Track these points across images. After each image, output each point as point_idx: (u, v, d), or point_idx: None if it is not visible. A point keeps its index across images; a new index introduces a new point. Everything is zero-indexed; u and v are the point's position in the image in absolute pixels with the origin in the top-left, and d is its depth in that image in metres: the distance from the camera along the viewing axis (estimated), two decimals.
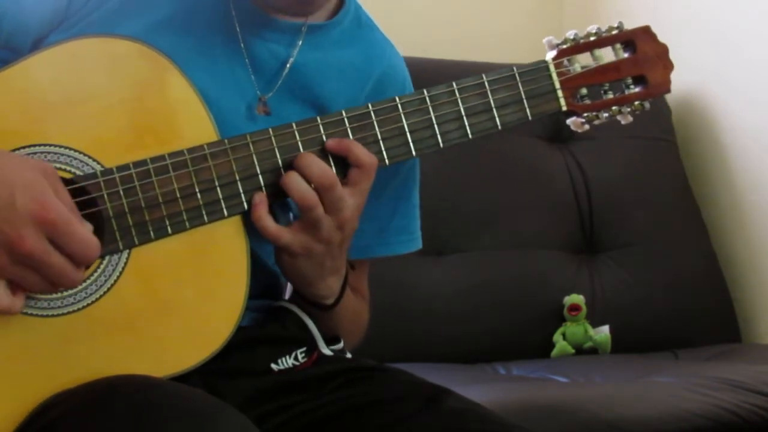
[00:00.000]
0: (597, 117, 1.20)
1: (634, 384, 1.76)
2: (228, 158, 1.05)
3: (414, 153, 1.13)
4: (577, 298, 2.13)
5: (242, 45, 1.14)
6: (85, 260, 0.95)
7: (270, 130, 1.07)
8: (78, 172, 1.00)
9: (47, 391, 0.98)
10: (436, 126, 1.13)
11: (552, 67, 1.18)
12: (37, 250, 0.91)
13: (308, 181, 1.06)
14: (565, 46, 1.19)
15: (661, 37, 1.22)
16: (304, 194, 1.06)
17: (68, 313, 1.00)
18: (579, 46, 1.19)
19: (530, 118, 1.17)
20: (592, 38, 1.20)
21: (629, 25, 1.22)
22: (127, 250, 1.02)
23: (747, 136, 2.27)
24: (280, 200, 1.09)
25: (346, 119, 1.10)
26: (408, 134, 1.12)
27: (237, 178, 1.06)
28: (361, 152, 1.08)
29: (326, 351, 1.18)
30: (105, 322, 1.01)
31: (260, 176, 1.07)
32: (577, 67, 1.18)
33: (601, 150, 2.30)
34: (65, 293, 0.99)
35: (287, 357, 1.13)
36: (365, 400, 1.11)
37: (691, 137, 2.40)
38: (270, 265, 1.15)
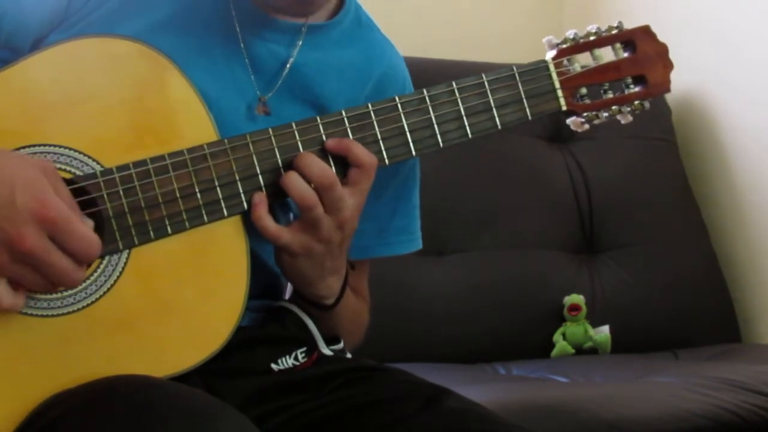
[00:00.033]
0: (597, 117, 1.20)
1: (634, 384, 1.76)
2: (228, 158, 1.05)
3: (414, 153, 1.13)
4: (577, 298, 2.13)
5: (242, 45, 1.14)
6: (86, 258, 0.95)
7: (270, 130, 1.07)
8: (78, 172, 1.00)
9: (47, 391, 0.98)
10: (435, 126, 1.13)
11: (552, 67, 1.18)
12: (37, 248, 0.91)
13: (308, 181, 1.06)
14: (564, 46, 1.19)
15: (661, 37, 1.22)
16: (303, 194, 1.06)
17: (68, 313, 1.00)
18: (579, 46, 1.19)
19: (530, 117, 1.17)
20: (591, 38, 1.20)
21: (629, 25, 1.22)
22: (127, 250, 1.02)
23: (747, 136, 2.27)
24: (280, 200, 1.09)
25: (345, 119, 1.10)
26: (408, 134, 1.12)
27: (237, 178, 1.06)
28: (360, 152, 1.08)
29: (326, 351, 1.18)
30: (105, 322, 1.01)
31: (260, 176, 1.07)
32: (576, 67, 1.18)
33: (601, 150, 2.30)
34: (65, 293, 0.99)
35: (287, 357, 1.13)
36: (365, 400, 1.11)
37: (691, 137, 2.40)
38: (270, 265, 1.15)
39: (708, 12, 2.37)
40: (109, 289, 1.01)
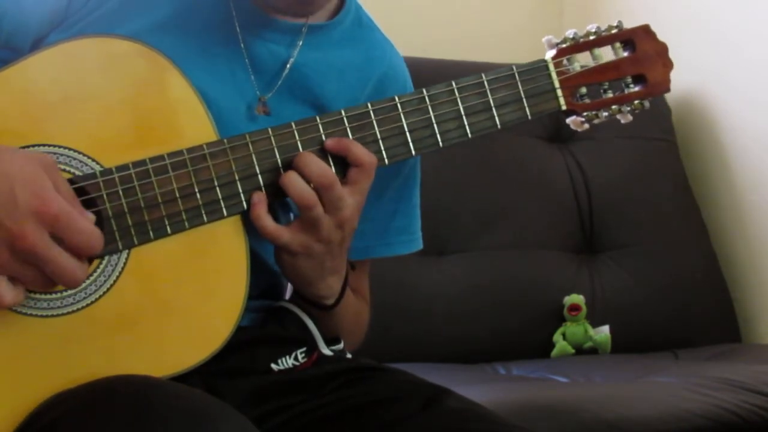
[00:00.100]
0: (597, 116, 1.20)
1: (634, 384, 1.76)
2: (227, 158, 1.05)
3: (413, 152, 1.13)
4: (577, 298, 2.13)
5: (242, 45, 1.14)
6: (88, 252, 0.95)
7: (269, 129, 1.07)
8: (77, 173, 1.00)
9: (47, 391, 0.97)
10: (435, 125, 1.13)
11: (551, 66, 1.18)
12: (39, 245, 0.91)
13: (307, 181, 1.06)
14: (564, 45, 1.19)
15: (661, 37, 1.22)
16: (302, 194, 1.06)
17: (68, 313, 0.99)
18: (578, 45, 1.19)
19: (530, 117, 1.17)
20: (591, 37, 1.20)
21: (629, 25, 1.22)
22: (127, 251, 1.02)
23: (747, 136, 2.27)
24: (280, 200, 1.09)
25: (345, 119, 1.10)
26: (407, 134, 1.12)
27: (236, 177, 1.06)
28: (360, 151, 1.08)
29: (326, 351, 1.18)
30: (104, 323, 1.01)
31: (259, 176, 1.07)
32: (576, 66, 1.18)
33: (601, 150, 2.31)
34: (65, 293, 0.99)
35: (287, 357, 1.13)
36: (365, 400, 1.11)
37: (691, 137, 2.40)
38: (270, 264, 1.15)
39: (708, 12, 2.37)
40: (108, 289, 1.01)
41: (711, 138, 2.37)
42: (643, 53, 1.21)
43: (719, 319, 2.22)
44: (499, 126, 1.15)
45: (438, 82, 1.14)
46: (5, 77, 1.00)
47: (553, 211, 2.24)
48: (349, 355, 1.22)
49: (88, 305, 1.00)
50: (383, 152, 1.11)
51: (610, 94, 1.21)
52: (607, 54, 1.21)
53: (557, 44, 1.19)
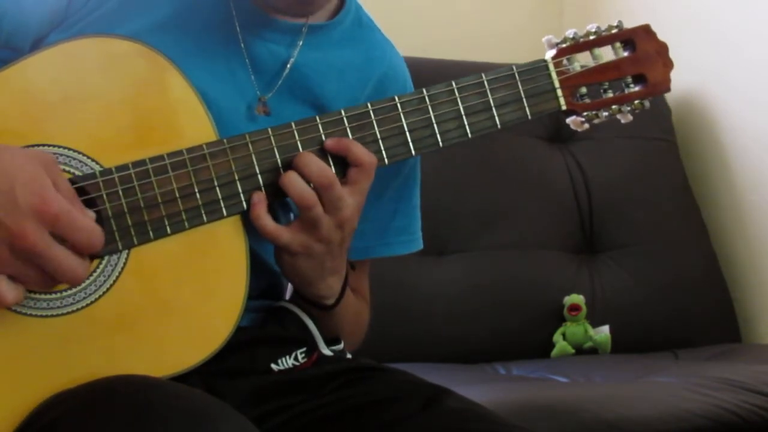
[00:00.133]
0: (597, 116, 1.20)
1: (634, 384, 1.76)
2: (227, 158, 1.05)
3: (413, 152, 1.13)
4: (577, 298, 2.13)
5: (242, 45, 1.14)
6: (89, 249, 0.95)
7: (269, 129, 1.07)
8: (77, 173, 1.00)
9: (47, 391, 0.97)
10: (435, 125, 1.13)
11: (551, 66, 1.18)
12: (39, 243, 0.91)
13: (307, 181, 1.06)
14: (564, 45, 1.19)
15: (661, 37, 1.22)
16: (302, 193, 1.06)
17: (67, 313, 0.99)
18: (578, 45, 1.19)
19: (530, 117, 1.17)
20: (591, 37, 1.20)
21: (629, 25, 1.22)
22: (126, 251, 1.02)
23: (747, 136, 2.27)
24: (279, 200, 1.09)
25: (345, 119, 1.10)
26: (407, 133, 1.12)
27: (236, 177, 1.06)
28: (360, 151, 1.08)
29: (326, 351, 1.18)
30: (104, 323, 1.01)
31: (259, 176, 1.07)
32: (576, 66, 1.18)
33: (601, 150, 2.31)
34: (65, 293, 0.99)
35: (287, 357, 1.13)
36: (365, 400, 1.11)
37: (691, 137, 2.40)
38: (270, 264, 1.15)
39: (708, 12, 2.37)
40: (108, 289, 1.01)
41: (711, 138, 2.36)
42: (643, 53, 1.21)
43: (719, 319, 2.22)
44: (499, 126, 1.15)
45: (438, 82, 1.14)
46: (5, 77, 1.00)
47: (553, 211, 2.24)
48: (349, 355, 1.22)
49: (87, 305, 1.00)
50: (383, 152, 1.11)
51: (610, 94, 1.21)
52: (607, 54, 1.21)
53: (557, 44, 1.19)
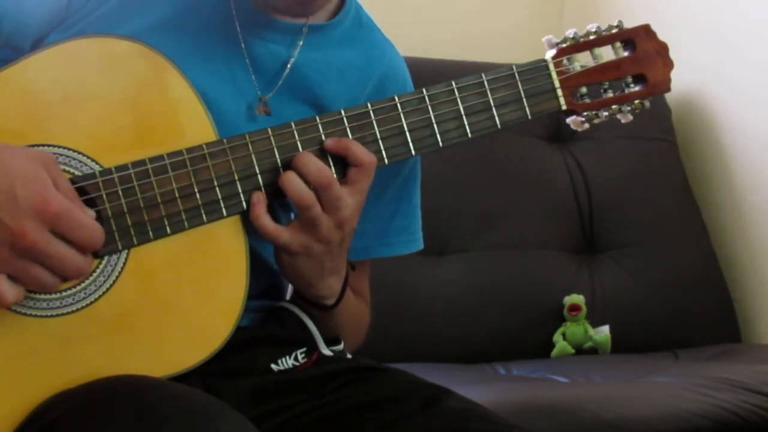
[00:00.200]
0: (597, 116, 1.20)
1: (634, 384, 1.76)
2: (227, 158, 1.05)
3: (413, 152, 1.12)
4: (577, 298, 2.13)
5: (243, 45, 1.14)
6: (90, 246, 0.96)
7: (269, 129, 1.07)
8: (77, 173, 1.00)
9: (47, 391, 0.98)
10: (435, 125, 1.13)
11: (551, 66, 1.18)
12: (39, 242, 0.92)
13: (306, 181, 1.06)
14: (564, 45, 1.19)
15: (661, 37, 1.22)
16: (301, 193, 1.06)
17: (67, 313, 0.99)
18: (578, 45, 1.19)
19: (530, 117, 1.17)
20: (591, 37, 1.20)
21: (629, 25, 1.22)
22: (126, 251, 1.02)
23: (747, 136, 2.27)
24: (279, 200, 1.09)
25: (345, 118, 1.10)
26: (407, 133, 1.12)
27: (236, 177, 1.06)
28: (359, 151, 1.08)
29: (326, 352, 1.18)
30: (104, 323, 1.01)
31: (259, 176, 1.07)
32: (576, 66, 1.18)
33: (601, 150, 2.30)
34: (64, 293, 0.99)
35: (287, 357, 1.13)
36: (365, 400, 1.11)
37: (691, 137, 2.40)
38: (271, 264, 1.15)
39: (708, 12, 2.37)
40: (108, 290, 1.01)
41: (711, 138, 2.36)
42: (643, 53, 1.21)
43: (719, 319, 2.22)
44: (499, 126, 1.15)
45: (438, 82, 1.14)
46: (5, 77, 1.00)
47: (553, 211, 2.24)
48: (349, 356, 1.22)
49: (87, 305, 1.00)
50: (383, 152, 1.11)
51: (610, 94, 1.20)
52: (607, 54, 1.21)
53: (557, 44, 1.19)
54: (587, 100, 1.19)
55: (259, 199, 1.06)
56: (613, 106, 1.20)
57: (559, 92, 1.18)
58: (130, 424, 0.88)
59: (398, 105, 1.12)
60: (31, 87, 1.01)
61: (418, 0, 2.59)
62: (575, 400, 1.56)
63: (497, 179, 2.22)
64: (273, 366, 1.13)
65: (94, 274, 1.01)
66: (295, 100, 1.17)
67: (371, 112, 1.11)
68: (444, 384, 1.15)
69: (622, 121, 1.22)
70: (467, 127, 1.14)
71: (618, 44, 1.21)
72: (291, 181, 1.06)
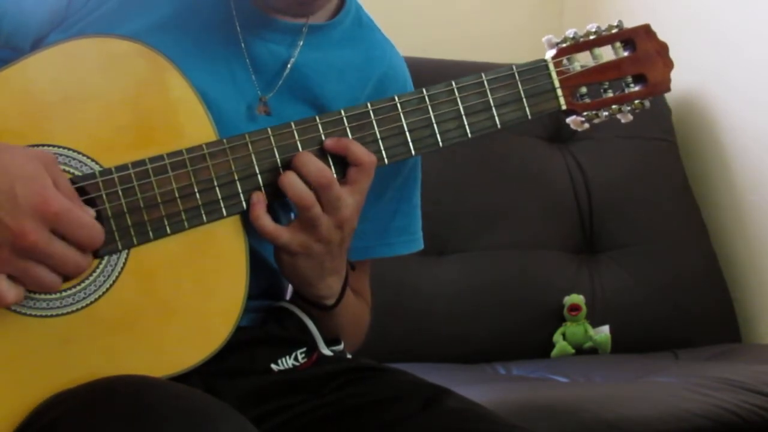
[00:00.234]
0: (597, 116, 1.20)
1: (634, 384, 1.76)
2: (227, 158, 1.05)
3: (413, 152, 1.12)
4: (577, 298, 2.13)
5: (243, 45, 1.14)
6: (90, 246, 0.96)
7: (269, 129, 1.07)
8: (76, 173, 1.00)
9: (47, 391, 0.98)
10: (435, 125, 1.13)
11: (551, 66, 1.18)
12: (40, 241, 0.92)
13: (306, 181, 1.06)
14: (564, 45, 1.19)
15: (661, 37, 1.22)
16: (300, 193, 1.06)
17: (67, 313, 0.99)
18: (578, 45, 1.19)
19: (530, 117, 1.17)
20: (591, 37, 1.20)
21: (629, 25, 1.22)
22: (126, 251, 1.02)
23: (747, 136, 2.27)
24: (279, 200, 1.09)
25: (344, 118, 1.10)
26: (407, 133, 1.12)
27: (236, 177, 1.06)
28: (359, 151, 1.08)
29: (326, 352, 1.18)
30: (104, 323, 1.01)
31: (259, 176, 1.07)
32: (576, 66, 1.18)
33: (601, 150, 2.30)
34: (64, 293, 0.99)
35: (287, 357, 1.13)
36: (365, 400, 1.11)
37: (691, 137, 2.40)
38: (271, 264, 1.15)
39: (708, 12, 2.37)
40: (108, 290, 1.01)
41: (711, 138, 2.36)
42: (643, 53, 1.21)
43: (719, 319, 2.22)
44: (499, 126, 1.15)
45: (438, 82, 1.14)
46: (5, 77, 1.00)
47: (553, 211, 2.24)
48: (349, 356, 1.22)
49: (87, 305, 1.00)
50: (383, 152, 1.11)
51: (610, 94, 1.20)
52: (607, 54, 1.21)
53: (557, 44, 1.19)
54: (587, 100, 1.19)
55: (259, 199, 1.06)
56: (613, 106, 1.20)
57: (559, 92, 1.18)
58: (130, 424, 0.88)
59: (398, 105, 1.12)
60: (31, 87, 1.01)
61: (418, 0, 2.59)
62: (575, 400, 1.56)
63: (497, 179, 2.22)
64: (273, 366, 1.13)
65: (94, 274, 1.01)
66: (295, 100, 1.17)
67: (371, 112, 1.11)
68: (444, 384, 1.15)
69: (622, 121, 1.22)
70: (467, 127, 1.14)
71: (618, 44, 1.21)
72: (291, 181, 1.06)
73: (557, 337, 2.11)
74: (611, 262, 2.22)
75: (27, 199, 0.91)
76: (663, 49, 1.22)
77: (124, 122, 1.03)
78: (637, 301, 2.17)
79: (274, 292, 1.22)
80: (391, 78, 1.25)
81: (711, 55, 2.35)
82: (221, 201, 1.05)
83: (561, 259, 2.20)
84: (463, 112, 1.14)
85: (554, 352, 2.10)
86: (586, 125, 1.21)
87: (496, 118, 1.15)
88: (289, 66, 1.16)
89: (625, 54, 1.21)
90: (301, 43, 1.17)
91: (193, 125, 1.05)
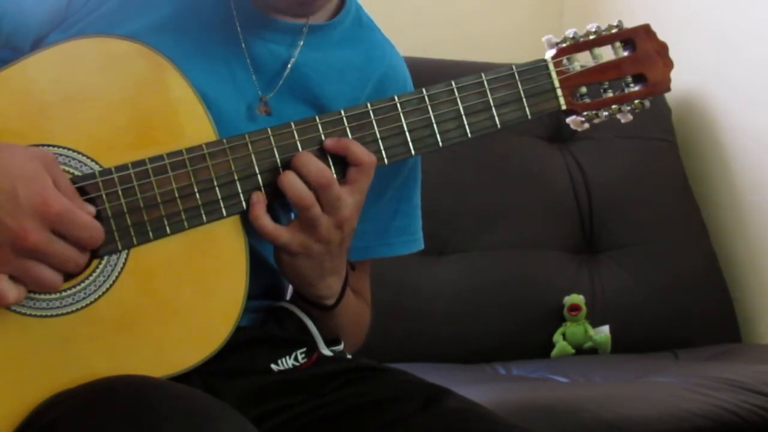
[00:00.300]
0: (597, 116, 1.20)
1: (634, 384, 1.76)
2: (227, 158, 1.05)
3: (413, 152, 1.12)
4: (577, 298, 2.13)
5: (243, 45, 1.14)
6: (90, 245, 0.97)
7: (269, 129, 1.07)
8: (76, 173, 1.00)
9: (47, 391, 0.98)
10: (435, 125, 1.13)
11: (551, 66, 1.18)
12: (41, 242, 0.92)
13: (306, 181, 1.06)
14: (564, 45, 1.19)
15: (661, 37, 1.22)
16: (300, 193, 1.06)
17: (67, 313, 1.00)
18: (578, 45, 1.19)
19: (529, 116, 1.17)
20: (591, 37, 1.20)
21: (629, 25, 1.22)
22: (126, 251, 1.02)
23: (747, 136, 2.27)
24: (279, 200, 1.09)
25: (344, 118, 1.10)
26: (407, 133, 1.12)
27: (236, 177, 1.06)
28: (359, 151, 1.08)
29: (326, 352, 1.18)
30: (104, 323, 1.01)
31: (259, 176, 1.07)
32: (576, 66, 1.18)
33: (601, 150, 2.30)
34: (64, 293, 0.99)
35: (287, 357, 1.13)
36: (365, 400, 1.11)
37: (691, 137, 2.40)
38: (272, 264, 1.15)
39: (708, 12, 2.37)
40: (108, 290, 1.01)
41: (711, 138, 2.36)
42: (643, 53, 1.21)
43: (719, 319, 2.22)
44: (499, 126, 1.15)
45: (438, 82, 1.14)
46: (5, 77, 1.01)
47: (553, 211, 2.24)
48: (349, 356, 1.22)
49: (87, 305, 1.00)
50: (383, 152, 1.11)
51: (610, 94, 1.20)
52: (607, 53, 1.21)
53: (557, 44, 1.19)
54: (587, 100, 1.19)
55: (259, 199, 1.06)
56: (613, 106, 1.20)
57: (559, 92, 1.18)
58: (130, 424, 0.88)
59: (398, 105, 1.12)
60: (31, 87, 1.01)
61: (418, 0, 2.59)
62: (575, 400, 1.56)
63: (497, 179, 2.22)
64: (273, 366, 1.13)
65: (94, 274, 1.01)
66: (296, 100, 1.17)
67: (371, 112, 1.11)
68: (444, 384, 1.15)
69: (622, 121, 1.22)
70: (467, 127, 1.14)
71: (618, 44, 1.21)
72: (290, 181, 1.06)
73: (557, 337, 2.11)
74: (611, 262, 2.22)
75: (28, 200, 0.91)
76: (663, 49, 1.22)
77: (124, 122, 1.03)
78: (637, 301, 2.17)
79: (274, 292, 1.22)
80: (391, 78, 1.25)
81: (711, 55, 2.35)
82: (221, 201, 1.05)
83: (561, 259, 2.20)
84: (463, 112, 1.14)
85: (554, 352, 2.10)
86: (586, 125, 1.21)
87: (496, 118, 1.15)
88: (289, 66, 1.16)
89: (625, 54, 1.21)
90: (302, 43, 1.17)
91: (193, 125, 1.05)
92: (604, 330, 2.12)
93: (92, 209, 0.98)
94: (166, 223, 1.03)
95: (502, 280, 2.13)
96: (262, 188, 1.07)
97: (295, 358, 1.14)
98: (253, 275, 1.07)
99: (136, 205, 1.01)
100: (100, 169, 1.01)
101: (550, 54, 1.19)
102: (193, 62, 1.09)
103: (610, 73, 1.20)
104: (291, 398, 1.11)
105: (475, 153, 2.16)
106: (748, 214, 2.27)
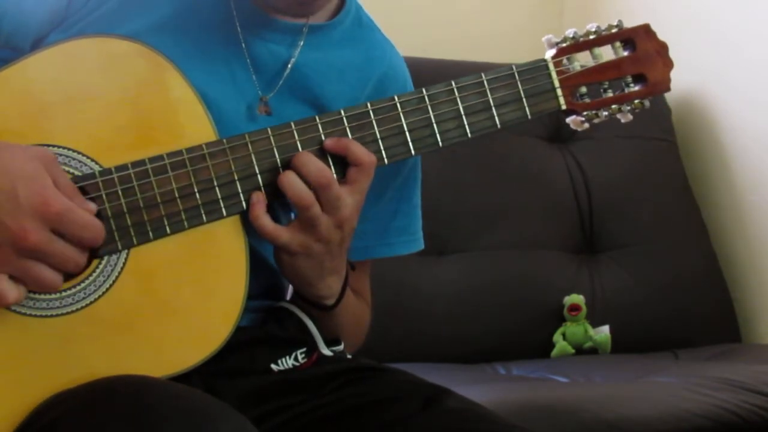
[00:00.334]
0: (596, 115, 1.20)
1: (634, 384, 1.76)
2: (227, 158, 1.05)
3: (413, 152, 1.12)
4: (577, 298, 2.13)
5: (243, 45, 1.14)
6: (91, 245, 0.97)
7: (269, 129, 1.07)
8: (76, 173, 1.00)
9: (47, 391, 0.98)
10: (435, 125, 1.13)
11: (551, 66, 1.18)
12: (41, 241, 0.92)
13: (306, 181, 1.06)
14: (564, 45, 1.19)
15: (661, 37, 1.22)
16: (300, 193, 1.06)
17: (67, 313, 1.00)
18: (578, 45, 1.19)
19: (529, 116, 1.17)
20: (591, 36, 1.20)
21: (629, 25, 1.22)
22: (126, 251, 1.02)
23: (747, 136, 2.27)
24: (279, 200, 1.09)
25: (344, 118, 1.10)
26: (407, 133, 1.12)
27: (236, 177, 1.06)
28: (359, 151, 1.08)
29: (326, 352, 1.18)
30: (104, 323, 1.01)
31: (259, 176, 1.07)
32: (576, 66, 1.18)
33: (601, 150, 2.30)
34: (64, 293, 0.99)
35: (287, 357, 1.13)
36: (365, 400, 1.11)
37: (691, 137, 2.40)
38: (272, 264, 1.15)
39: (708, 12, 2.37)
40: (108, 290, 1.01)
41: (711, 138, 2.36)
42: (643, 52, 1.21)
43: (719, 319, 2.22)
44: (498, 126, 1.15)
45: (438, 82, 1.14)
46: (5, 77, 1.01)
47: (553, 211, 2.24)
48: (349, 356, 1.22)
49: (87, 305, 1.00)
50: (383, 152, 1.11)
51: (610, 94, 1.20)
52: (607, 53, 1.21)
53: (557, 43, 1.19)
54: (587, 100, 1.19)
55: (259, 199, 1.06)
56: (613, 106, 1.20)
57: (559, 92, 1.18)
58: (130, 424, 0.88)
59: (398, 105, 1.12)
60: (31, 87, 1.01)
61: (418, 0, 2.59)
62: (575, 400, 1.56)
63: (497, 179, 2.22)
64: (273, 366, 1.13)
65: (94, 274, 1.01)
66: (296, 100, 1.17)
67: (371, 111, 1.11)
68: (444, 384, 1.15)
69: (622, 120, 1.22)
70: (467, 127, 1.14)
71: (618, 44, 1.21)
72: (290, 181, 1.06)
73: (557, 337, 2.11)
74: (611, 262, 2.22)
75: (28, 199, 0.91)
76: (663, 48, 1.22)
77: (124, 122, 1.03)
78: (637, 301, 2.17)
79: (274, 292, 1.22)
80: (391, 78, 1.25)
81: (711, 55, 2.35)
82: (221, 201, 1.05)
83: (561, 259, 2.20)
84: (462, 112, 1.14)
85: (554, 352, 2.10)
86: (586, 125, 1.21)
87: (496, 118, 1.15)
88: (289, 66, 1.16)
89: (625, 54, 1.21)
90: (302, 43, 1.17)
91: (193, 125, 1.05)
92: (604, 330, 2.12)
93: (93, 207, 0.98)
94: (166, 223, 1.03)
95: (502, 280, 2.13)
96: (262, 188, 1.07)
97: (295, 358, 1.14)
98: (253, 275, 1.07)
99: (136, 205, 1.01)
100: (100, 169, 1.01)
101: (550, 54, 1.19)
102: (193, 62, 1.09)
103: (610, 73, 1.20)
104: (291, 398, 1.11)
105: (475, 153, 2.16)
106: (748, 214, 2.27)
